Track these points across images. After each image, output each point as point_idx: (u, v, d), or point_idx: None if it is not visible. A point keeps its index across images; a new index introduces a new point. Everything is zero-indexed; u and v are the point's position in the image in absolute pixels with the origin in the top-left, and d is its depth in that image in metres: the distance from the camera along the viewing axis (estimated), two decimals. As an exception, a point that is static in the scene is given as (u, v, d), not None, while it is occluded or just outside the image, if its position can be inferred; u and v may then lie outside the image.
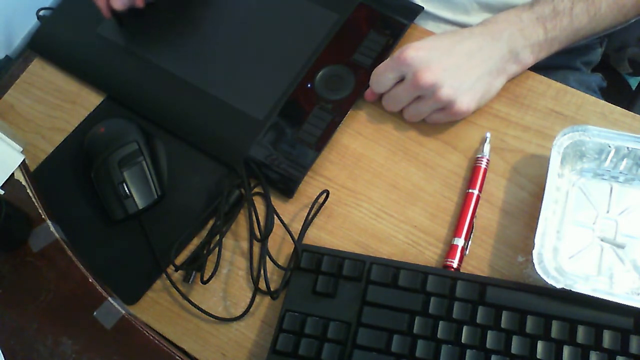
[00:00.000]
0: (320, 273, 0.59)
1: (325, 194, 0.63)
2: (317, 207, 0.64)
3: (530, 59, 0.64)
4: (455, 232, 0.60)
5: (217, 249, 0.63)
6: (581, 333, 0.53)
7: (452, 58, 0.61)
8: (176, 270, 0.63)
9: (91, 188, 0.66)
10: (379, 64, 0.68)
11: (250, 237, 0.64)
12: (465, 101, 0.62)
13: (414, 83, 0.60)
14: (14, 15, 0.83)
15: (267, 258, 0.61)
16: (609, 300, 0.52)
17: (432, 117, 0.64)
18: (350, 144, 0.67)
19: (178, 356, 0.59)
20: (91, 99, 0.73)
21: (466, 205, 0.61)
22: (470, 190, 0.61)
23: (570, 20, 0.63)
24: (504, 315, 0.54)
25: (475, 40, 0.62)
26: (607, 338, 0.52)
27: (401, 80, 0.62)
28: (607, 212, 0.59)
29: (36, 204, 0.67)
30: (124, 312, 0.61)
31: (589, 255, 0.57)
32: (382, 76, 0.63)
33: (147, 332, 0.60)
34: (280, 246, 0.63)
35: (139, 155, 0.66)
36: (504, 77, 0.64)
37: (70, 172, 0.69)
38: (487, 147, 0.63)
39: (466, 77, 0.61)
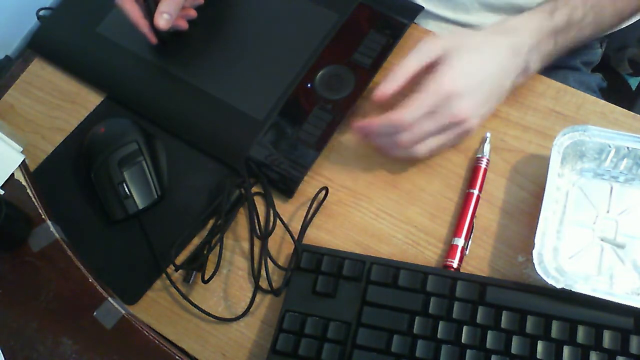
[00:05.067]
0: (320, 273, 0.59)
1: (324, 191, 0.63)
2: (316, 204, 0.64)
3: (538, 70, 0.64)
4: (455, 232, 0.60)
5: (217, 248, 0.63)
6: (581, 333, 0.53)
7: (483, 89, 0.59)
8: (176, 270, 0.63)
9: (91, 188, 0.66)
10: (379, 63, 0.68)
11: (250, 236, 0.64)
12: (478, 125, 0.61)
13: (450, 120, 0.58)
14: (14, 15, 0.84)
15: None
16: (609, 300, 0.52)
17: (442, 145, 0.62)
18: (350, 144, 0.67)
19: (178, 356, 0.59)
20: (91, 99, 0.73)
21: (466, 205, 0.61)
22: (470, 190, 0.61)
23: (577, 31, 0.62)
24: (504, 315, 0.54)
25: (502, 59, 0.60)
26: (607, 338, 0.52)
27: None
28: (607, 212, 0.59)
29: (36, 204, 0.67)
30: (124, 312, 0.61)
31: (589, 255, 0.57)
32: (419, 109, 0.58)
33: (147, 332, 0.60)
34: (280, 246, 0.63)
35: (139, 155, 0.66)
36: (511, 89, 0.63)
37: (70, 172, 0.69)
38: (487, 147, 0.63)
39: (488, 104, 0.60)
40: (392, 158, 0.64)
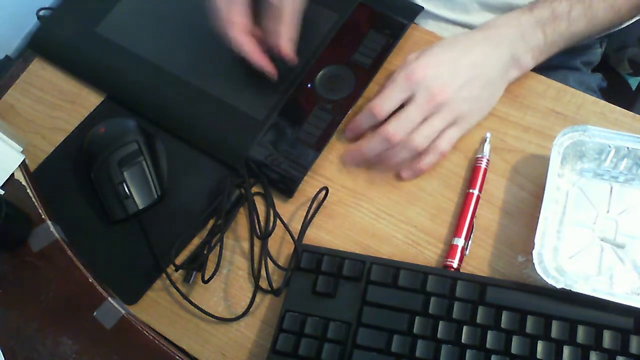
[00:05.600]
0: (320, 273, 0.59)
1: (324, 191, 0.63)
2: (316, 204, 0.64)
3: (530, 64, 0.64)
4: (455, 232, 0.60)
5: (217, 248, 0.63)
6: (581, 333, 0.53)
7: (461, 72, 0.61)
8: (176, 270, 0.63)
9: (91, 188, 0.66)
10: (379, 63, 0.68)
11: (250, 236, 0.64)
12: (477, 114, 0.63)
13: (429, 101, 0.59)
14: (14, 15, 0.84)
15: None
16: (609, 300, 0.52)
17: (445, 137, 0.62)
18: (350, 143, 0.67)
19: (178, 356, 0.59)
20: (91, 99, 0.73)
21: (466, 205, 0.61)
22: (470, 190, 0.61)
23: (568, 24, 0.63)
24: (504, 315, 0.54)
25: (479, 49, 0.62)
26: (607, 338, 0.52)
27: (401, 105, 0.62)
28: (607, 212, 0.59)
29: (36, 204, 0.67)
30: (124, 312, 0.61)
31: (589, 255, 0.57)
32: (391, 97, 0.61)
33: (147, 332, 0.60)
34: (280, 246, 0.63)
35: (139, 155, 0.66)
36: (506, 83, 0.64)
37: (70, 172, 0.69)
38: (487, 147, 0.63)
39: (474, 90, 0.61)
40: (402, 170, 0.64)
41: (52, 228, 0.65)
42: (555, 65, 0.76)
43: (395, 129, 0.60)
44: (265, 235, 0.63)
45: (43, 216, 0.66)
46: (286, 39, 0.64)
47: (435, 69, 0.60)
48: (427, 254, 0.61)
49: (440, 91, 0.59)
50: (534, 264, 0.54)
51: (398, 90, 0.61)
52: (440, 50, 0.62)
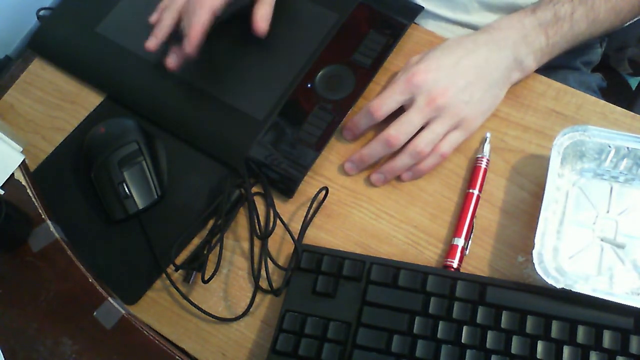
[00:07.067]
0: (320, 273, 0.59)
1: (324, 191, 0.63)
2: (316, 204, 0.64)
3: (533, 66, 0.64)
4: (455, 232, 0.60)
5: (217, 248, 0.63)
6: (581, 333, 0.53)
7: (462, 75, 0.61)
8: (176, 270, 0.63)
9: (91, 188, 0.66)
10: (379, 63, 0.68)
11: (250, 236, 0.64)
12: (479, 117, 0.63)
13: (429, 104, 0.59)
14: (14, 15, 0.84)
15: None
16: (609, 300, 0.52)
17: (447, 140, 0.62)
18: (350, 144, 0.67)
19: (178, 356, 0.59)
20: (91, 99, 0.73)
21: (466, 205, 0.61)
22: (470, 190, 0.61)
23: (570, 26, 0.63)
24: (504, 315, 0.54)
25: (481, 52, 0.62)
26: (607, 338, 0.52)
27: (400, 108, 0.62)
28: (607, 212, 0.59)
29: (36, 204, 0.67)
30: (124, 312, 0.61)
31: (589, 255, 0.57)
32: (390, 98, 0.61)
33: (147, 332, 0.60)
34: (280, 246, 0.63)
35: (139, 155, 0.66)
36: (508, 85, 0.64)
37: (70, 172, 0.69)
38: (487, 147, 0.63)
39: (476, 92, 0.61)
40: (407, 179, 0.64)
41: (52, 228, 0.65)
42: (555, 65, 0.76)
43: (396, 132, 0.61)
44: (265, 235, 0.63)
45: (43, 216, 0.66)
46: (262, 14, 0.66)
47: (436, 72, 0.60)
48: (427, 254, 0.61)
49: (440, 94, 0.59)
50: (534, 264, 0.54)
51: (398, 92, 0.61)
52: (441, 54, 0.62)
